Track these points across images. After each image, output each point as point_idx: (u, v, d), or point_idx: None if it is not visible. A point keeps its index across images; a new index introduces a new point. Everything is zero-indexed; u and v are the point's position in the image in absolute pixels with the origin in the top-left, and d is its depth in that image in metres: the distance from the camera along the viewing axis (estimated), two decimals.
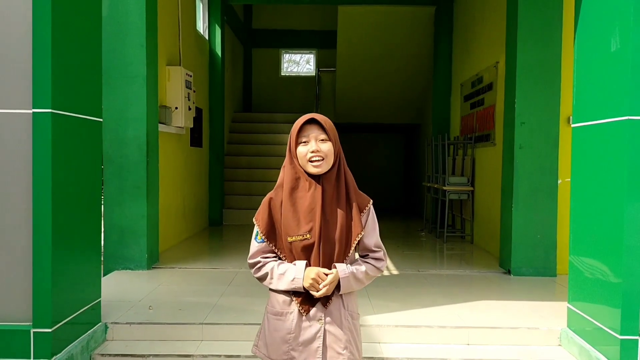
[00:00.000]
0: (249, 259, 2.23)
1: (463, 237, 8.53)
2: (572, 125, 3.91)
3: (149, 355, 3.74)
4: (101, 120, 3.97)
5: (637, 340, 3.27)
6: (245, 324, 4.00)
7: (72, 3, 3.52)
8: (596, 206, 3.63)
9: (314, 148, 2.10)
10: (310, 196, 2.11)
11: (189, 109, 7.40)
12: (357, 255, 2.25)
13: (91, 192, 3.86)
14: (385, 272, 5.89)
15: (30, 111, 3.26)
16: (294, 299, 2.14)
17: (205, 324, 4.04)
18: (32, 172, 3.27)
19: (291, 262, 2.15)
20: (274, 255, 2.20)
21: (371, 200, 2.26)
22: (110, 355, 3.75)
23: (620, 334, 3.28)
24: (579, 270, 3.81)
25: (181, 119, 7.09)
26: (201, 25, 9.26)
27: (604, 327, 3.45)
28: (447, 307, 4.56)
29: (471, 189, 8.04)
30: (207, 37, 9.43)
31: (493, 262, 6.52)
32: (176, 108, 7.02)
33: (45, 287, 3.29)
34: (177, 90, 7.02)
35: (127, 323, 4.05)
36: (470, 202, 8.14)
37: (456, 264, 6.60)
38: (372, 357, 3.72)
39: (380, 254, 2.24)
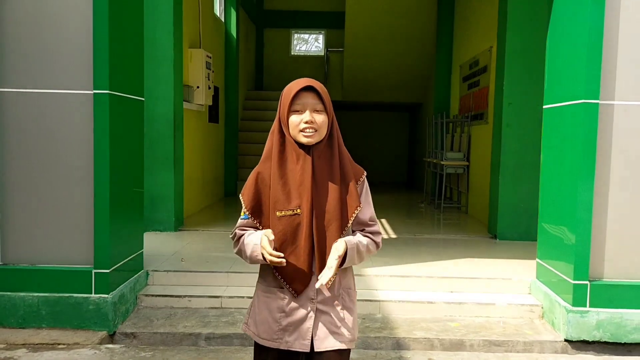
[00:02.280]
0: (230, 234, 2.10)
1: (459, 208, 9.25)
2: (543, 107, 4.59)
3: (185, 296, 4.51)
4: (143, 99, 4.69)
5: (586, 284, 3.98)
6: None
7: (127, 1, 4.21)
8: (558, 182, 4.31)
9: (309, 119, 1.94)
10: (300, 168, 1.95)
11: (209, 87, 8.09)
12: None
13: (137, 162, 4.60)
14: (385, 236, 6.63)
15: (92, 92, 3.97)
16: (281, 277, 1.99)
17: (230, 272, 4.80)
18: (93, 144, 3.99)
19: (279, 244, 1.96)
20: (253, 230, 2.04)
21: (365, 172, 2.11)
22: (152, 295, 4.53)
23: (574, 280, 3.99)
24: (546, 233, 4.51)
25: (202, 97, 7.79)
26: (218, 8, 9.89)
27: (563, 275, 4.16)
28: (435, 262, 5.30)
29: (466, 163, 8.72)
30: (223, 20, 10.07)
31: (483, 229, 7.25)
32: (197, 87, 7.71)
33: (104, 238, 4.03)
34: (198, 70, 7.70)
35: (164, 271, 4.82)
36: (466, 176, 8.83)
37: (449, 230, 7.34)
38: (369, 300, 4.47)
39: (376, 227, 2.11)
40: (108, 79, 3.94)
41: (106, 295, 4.02)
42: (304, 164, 1.96)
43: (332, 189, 1.97)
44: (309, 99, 1.96)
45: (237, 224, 2.06)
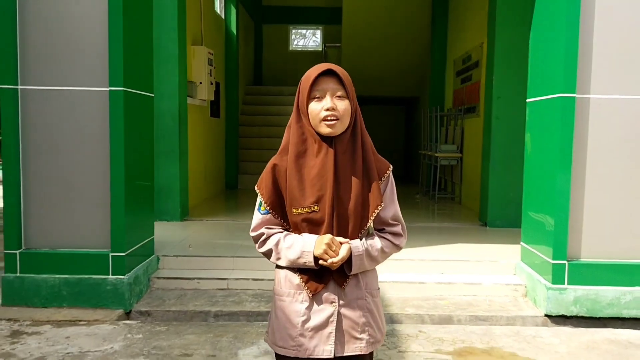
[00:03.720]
0: (252, 231, 1.97)
1: (453, 199, 9.59)
2: (526, 100, 4.92)
3: (194, 278, 4.85)
4: (153, 95, 5.01)
5: (564, 264, 4.32)
6: None
7: (136, 3, 4.52)
8: (539, 171, 4.64)
9: (330, 105, 1.80)
10: (320, 161, 1.82)
11: (211, 83, 8.40)
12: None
13: (148, 154, 4.93)
14: None
15: (107, 89, 4.30)
16: (300, 277, 1.89)
17: (236, 257, 5.14)
18: (109, 137, 4.31)
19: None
20: (281, 228, 1.94)
21: (391, 166, 1.97)
22: (164, 278, 4.87)
23: (553, 260, 4.34)
24: (529, 219, 4.85)
25: (205, 93, 8.11)
26: (218, 6, 10.18)
27: (544, 256, 4.50)
28: (428, 247, 5.64)
29: (460, 155, 9.06)
30: (223, 17, 10.37)
31: (474, 218, 7.59)
32: (200, 83, 8.02)
33: (120, 224, 4.36)
34: (200, 67, 8.01)
35: (174, 256, 5.16)
36: (459, 167, 9.17)
37: (442, 219, 7.68)
38: None
39: (398, 229, 1.97)
40: (122, 76, 4.26)
41: (122, 277, 4.36)
42: (325, 158, 1.82)
43: (354, 186, 1.83)
44: (330, 84, 1.82)
45: (258, 220, 1.94)
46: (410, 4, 11.34)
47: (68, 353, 3.60)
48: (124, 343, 3.79)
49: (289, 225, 1.91)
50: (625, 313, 4.30)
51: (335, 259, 1.80)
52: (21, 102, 4.34)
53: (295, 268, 1.89)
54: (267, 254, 1.94)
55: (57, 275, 4.38)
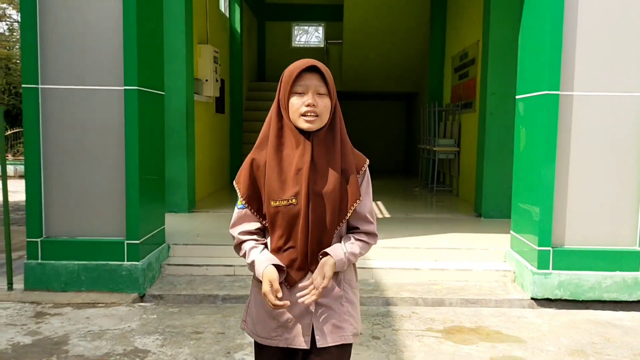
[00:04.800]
0: (230, 228, 1.98)
1: (450, 191, 9.89)
2: (516, 97, 5.21)
3: (202, 265, 5.17)
4: (164, 93, 5.31)
5: (549, 250, 4.62)
6: None
7: (149, 5, 4.82)
8: (526, 164, 4.93)
9: (311, 102, 1.81)
10: (298, 155, 1.83)
11: (216, 80, 8.71)
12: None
13: (159, 149, 5.25)
14: (379, 215, 7.28)
15: (122, 88, 4.61)
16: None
17: None
18: (124, 133, 4.63)
19: (274, 236, 1.89)
20: (257, 226, 1.94)
21: (367, 160, 1.97)
22: (174, 265, 5.20)
23: (538, 247, 4.64)
24: (518, 209, 5.14)
25: (210, 90, 8.41)
26: (222, 4, 10.47)
27: (530, 244, 4.80)
28: (423, 237, 5.95)
29: (457, 149, 9.35)
30: (227, 15, 10.66)
31: (470, 209, 7.89)
32: (206, 80, 8.33)
33: (134, 214, 4.68)
34: (206, 65, 8.31)
35: (183, 244, 5.48)
36: (457, 161, 9.47)
37: (439, 211, 7.99)
38: (363, 268, 5.12)
39: (373, 227, 1.97)
40: (136, 75, 4.57)
41: (137, 263, 4.68)
42: (302, 151, 1.83)
43: (332, 179, 1.84)
44: (313, 80, 1.83)
45: (236, 215, 1.96)
46: (410, 2, 11.60)
47: (89, 331, 3.93)
48: (140, 322, 4.11)
49: (264, 219, 1.90)
50: (606, 296, 4.61)
51: (323, 284, 1.82)
52: (42, 100, 4.65)
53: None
54: (243, 257, 1.96)
55: (76, 262, 4.70)
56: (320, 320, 1.89)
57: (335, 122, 1.89)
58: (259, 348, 1.99)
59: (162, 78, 5.31)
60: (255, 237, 1.95)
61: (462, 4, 9.48)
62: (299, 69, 1.82)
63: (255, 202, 1.90)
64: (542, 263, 4.65)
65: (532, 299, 4.68)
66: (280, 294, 1.81)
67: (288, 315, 1.89)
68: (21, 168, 17.46)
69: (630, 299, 4.60)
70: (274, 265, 1.85)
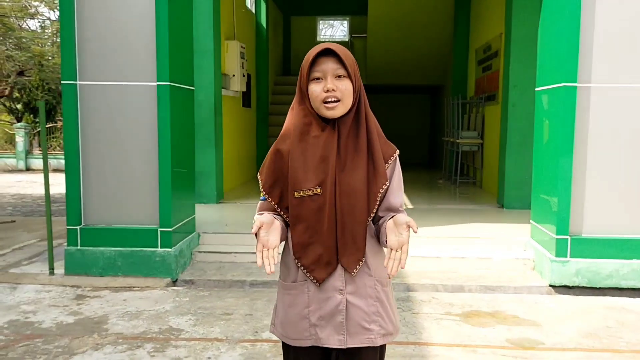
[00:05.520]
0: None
1: (474, 183, 9.98)
2: (535, 89, 5.31)
3: (231, 252, 5.42)
4: (193, 88, 5.56)
5: (567, 238, 4.73)
6: None
7: (179, 4, 5.06)
8: (545, 155, 5.03)
9: (330, 86, 1.73)
10: (323, 143, 1.77)
11: (243, 75, 8.94)
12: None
13: (189, 142, 5.50)
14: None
15: (155, 84, 4.86)
16: (302, 266, 1.81)
17: None
18: (157, 126, 4.88)
19: (298, 229, 1.80)
20: (274, 214, 1.83)
21: (397, 150, 1.88)
22: (204, 252, 5.45)
23: (556, 235, 4.75)
24: (537, 199, 5.25)
25: (237, 84, 8.65)
26: (249, 1, 10.70)
27: (549, 232, 4.92)
28: (445, 226, 6.10)
29: (480, 141, 9.43)
30: (253, 11, 10.88)
31: (493, 200, 7.99)
32: (233, 75, 8.57)
33: (167, 203, 4.94)
34: (233, 60, 8.55)
35: (212, 233, 5.73)
36: (480, 153, 9.55)
37: (462, 202, 8.11)
38: None
39: (405, 215, 1.80)
40: (168, 72, 4.82)
41: (170, 249, 4.94)
42: (327, 139, 1.76)
43: (359, 168, 1.76)
44: (330, 63, 1.75)
45: (257, 208, 1.90)
46: None
47: (127, 312, 4.19)
48: (174, 304, 4.37)
49: (286, 212, 1.82)
50: (624, 284, 4.70)
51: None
52: (79, 96, 4.93)
53: (296, 258, 1.81)
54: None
55: (113, 248, 4.99)
56: (350, 319, 1.80)
57: (361, 107, 1.80)
58: (288, 351, 1.92)
59: (192, 74, 5.55)
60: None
61: None
62: (314, 54, 1.76)
63: (277, 193, 1.82)
64: (560, 251, 4.76)
65: (550, 286, 4.79)
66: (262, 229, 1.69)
67: (319, 314, 1.81)
68: (54, 162, 18.09)
69: None
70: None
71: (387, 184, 1.80)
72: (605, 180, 4.72)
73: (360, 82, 1.81)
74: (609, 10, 4.60)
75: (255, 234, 1.69)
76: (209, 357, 3.41)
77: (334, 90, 1.73)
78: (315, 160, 1.76)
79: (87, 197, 5.03)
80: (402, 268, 1.66)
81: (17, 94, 22.86)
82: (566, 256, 4.75)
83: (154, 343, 3.62)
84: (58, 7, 4.87)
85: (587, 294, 4.72)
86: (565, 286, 4.77)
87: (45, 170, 5.13)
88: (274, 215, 1.80)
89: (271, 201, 1.83)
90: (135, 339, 3.69)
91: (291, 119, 1.84)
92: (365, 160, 1.78)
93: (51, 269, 5.08)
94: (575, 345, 3.66)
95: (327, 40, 15.43)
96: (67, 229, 5.03)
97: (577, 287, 4.76)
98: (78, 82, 4.92)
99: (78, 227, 5.01)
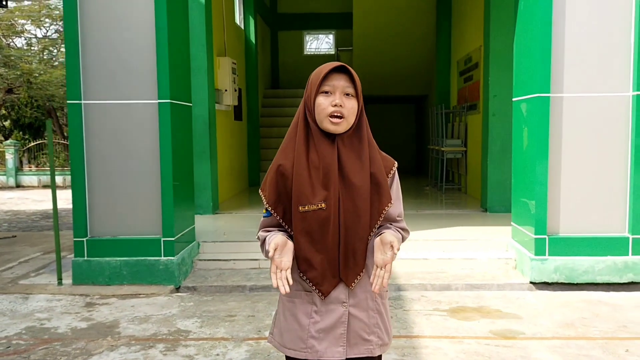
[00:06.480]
0: (256, 236, 1.96)
1: (459, 189, 10.35)
2: (512, 100, 5.68)
3: (230, 260, 5.70)
4: (191, 104, 5.86)
5: (545, 237, 5.08)
6: None
7: (177, 26, 5.37)
8: (523, 161, 5.40)
9: (338, 102, 1.78)
10: (324, 158, 1.80)
11: (234, 90, 9.26)
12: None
13: (188, 156, 5.79)
14: None
15: (156, 101, 5.15)
16: (307, 279, 1.85)
17: None
18: (159, 142, 5.17)
19: (303, 243, 1.82)
20: (278, 229, 1.88)
21: (396, 163, 1.96)
22: (205, 260, 5.73)
23: (535, 235, 5.10)
24: (517, 201, 5.61)
25: (229, 99, 8.97)
26: (238, 17, 11.04)
27: (528, 233, 5.27)
28: (432, 230, 6.43)
29: (464, 149, 9.82)
30: (242, 27, 11.23)
31: (477, 205, 8.36)
32: (225, 90, 8.88)
33: (169, 214, 5.22)
34: (225, 76, 8.86)
35: (212, 241, 6.01)
36: (464, 160, 9.93)
37: (447, 207, 8.47)
38: None
39: (404, 224, 1.96)
40: (169, 90, 5.12)
41: (172, 258, 5.22)
42: (329, 154, 1.80)
43: (362, 182, 1.80)
44: (341, 80, 1.81)
45: (261, 224, 1.93)
46: (416, 9, 12.11)
47: (136, 316, 4.46)
48: (179, 309, 4.65)
49: (290, 227, 1.84)
50: (599, 279, 5.06)
51: (388, 257, 1.73)
52: (84, 114, 5.21)
53: (302, 272, 1.85)
54: (266, 256, 1.84)
55: (118, 258, 5.25)
56: (351, 331, 1.86)
57: (362, 124, 1.86)
58: None
59: (190, 91, 5.86)
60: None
61: (465, 12, 9.96)
62: (328, 69, 1.81)
63: (281, 208, 1.85)
64: (539, 250, 5.11)
65: (531, 282, 5.13)
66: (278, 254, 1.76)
67: (320, 325, 1.84)
68: (44, 178, 18.26)
69: (621, 281, 5.05)
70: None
71: (392, 204, 1.87)
72: (578, 182, 5.09)
73: (362, 102, 1.87)
74: (579, 25, 4.99)
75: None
76: (218, 354, 3.69)
77: (341, 106, 1.79)
78: (319, 176, 1.80)
79: (92, 210, 5.29)
80: (384, 287, 1.77)
81: (4, 112, 22.97)
82: (545, 254, 5.10)
83: (165, 343, 3.90)
84: (62, 31, 5.14)
85: (565, 289, 5.06)
86: (545, 282, 5.11)
87: (53, 185, 5.39)
88: (280, 231, 1.87)
89: (276, 216, 1.86)
90: (147, 340, 3.97)
91: (294, 133, 1.86)
92: (368, 178, 1.82)
93: (59, 279, 5.33)
94: (553, 334, 3.99)
95: (314, 53, 15.81)
96: (74, 240, 5.29)
97: (556, 283, 5.11)
98: (83, 102, 5.20)
99: (84, 239, 5.27)
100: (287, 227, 1.85)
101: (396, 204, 1.91)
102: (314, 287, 1.83)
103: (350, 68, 1.83)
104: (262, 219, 1.93)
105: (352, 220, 1.80)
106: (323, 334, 1.84)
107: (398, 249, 1.74)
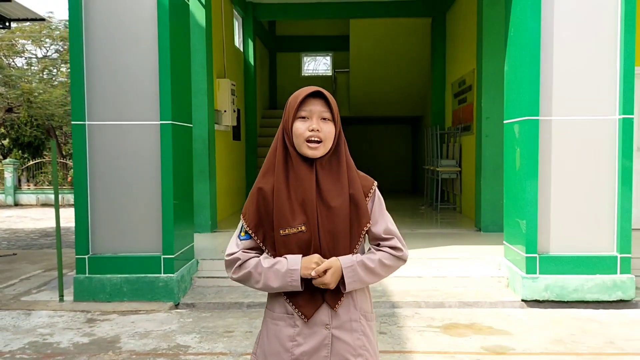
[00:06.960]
0: (226, 256, 1.93)
1: (454, 209, 10.50)
2: (504, 122, 5.86)
3: (228, 277, 5.79)
4: (192, 125, 6.03)
5: (536, 256, 5.22)
6: None
7: (179, 49, 5.56)
8: (514, 182, 5.56)
9: (315, 127, 1.82)
10: (303, 182, 1.84)
11: (233, 111, 9.45)
12: (366, 248, 1.97)
13: (189, 175, 5.94)
14: None
15: (158, 123, 5.32)
16: (290, 301, 1.86)
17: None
18: (160, 162, 5.32)
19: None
20: (257, 253, 1.90)
21: (375, 182, 1.97)
22: (203, 277, 5.85)
23: (526, 254, 5.24)
24: (509, 221, 5.75)
25: (228, 119, 9.14)
26: (237, 40, 11.28)
27: (520, 251, 5.40)
28: (427, 249, 6.57)
29: (459, 169, 9.99)
30: (242, 50, 11.46)
31: (471, 225, 8.50)
32: (225, 111, 9.07)
33: (169, 232, 5.35)
34: (225, 97, 9.05)
35: (210, 259, 6.13)
36: (459, 180, 10.10)
37: (442, 226, 8.61)
38: None
39: (395, 242, 1.93)
40: (170, 112, 5.28)
41: (172, 275, 5.33)
42: (307, 178, 1.84)
43: (340, 204, 1.84)
44: (317, 105, 1.85)
45: (235, 246, 1.91)
46: (412, 33, 12.39)
47: (136, 332, 4.57)
48: (179, 325, 4.75)
49: (270, 250, 1.87)
50: (588, 297, 5.19)
51: (320, 267, 1.79)
52: (88, 135, 5.37)
53: (284, 294, 1.85)
54: (244, 279, 1.89)
55: (119, 275, 5.36)
56: (335, 354, 1.85)
57: (340, 148, 1.89)
58: None
59: (191, 112, 6.03)
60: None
61: (459, 36, 10.21)
62: (304, 94, 1.85)
63: (261, 232, 1.87)
64: (530, 268, 5.24)
65: (523, 300, 5.26)
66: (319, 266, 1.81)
67: (304, 348, 1.84)
68: (43, 197, 18.36)
69: (610, 299, 5.17)
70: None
71: (370, 223, 1.89)
72: (568, 202, 5.24)
73: (340, 125, 1.90)
74: (566, 51, 5.19)
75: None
76: None
77: (318, 131, 1.83)
78: (298, 199, 1.84)
79: (94, 228, 5.42)
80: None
81: (4, 130, 23.15)
82: (536, 273, 5.23)
83: (165, 358, 4.00)
84: (62, 51, 5.32)
85: (555, 307, 5.18)
86: (536, 300, 5.24)
87: (56, 204, 5.52)
88: (259, 254, 1.89)
89: (257, 239, 1.88)
90: (147, 354, 4.07)
91: (273, 157, 1.89)
92: (347, 199, 1.86)
93: (61, 295, 5.44)
94: (543, 350, 4.11)
95: (312, 74, 16.08)
96: (76, 258, 5.41)
97: (547, 301, 5.23)
98: (87, 122, 5.35)
99: (86, 256, 5.39)
100: (266, 250, 1.88)
101: (380, 222, 1.93)
102: (297, 310, 1.85)
103: (326, 93, 1.87)
104: (236, 240, 1.92)
105: (332, 241, 1.84)
106: (306, 356, 1.84)
107: (316, 276, 1.80)
